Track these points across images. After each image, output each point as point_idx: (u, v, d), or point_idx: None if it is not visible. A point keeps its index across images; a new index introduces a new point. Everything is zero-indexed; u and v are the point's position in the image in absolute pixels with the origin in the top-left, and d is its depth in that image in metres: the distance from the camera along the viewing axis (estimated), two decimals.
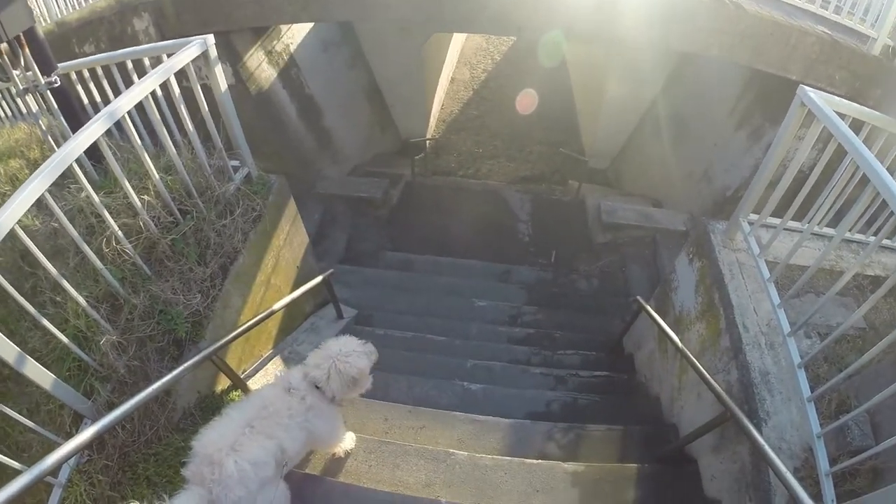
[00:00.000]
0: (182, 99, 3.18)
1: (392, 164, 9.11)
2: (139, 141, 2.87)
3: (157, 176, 3.04)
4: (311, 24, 7.21)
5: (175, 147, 3.50)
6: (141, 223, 3.00)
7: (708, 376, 3.05)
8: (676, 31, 5.43)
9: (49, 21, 6.56)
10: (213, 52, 3.25)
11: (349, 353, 2.67)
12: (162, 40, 3.35)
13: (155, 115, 3.01)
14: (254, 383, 3.96)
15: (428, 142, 9.98)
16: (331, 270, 4.67)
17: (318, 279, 4.47)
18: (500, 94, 11.79)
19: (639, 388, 4.63)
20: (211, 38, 3.20)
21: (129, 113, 2.84)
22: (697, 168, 7.39)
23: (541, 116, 11.13)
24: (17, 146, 4.10)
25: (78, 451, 2.17)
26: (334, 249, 7.03)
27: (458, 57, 12.70)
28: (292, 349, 4.49)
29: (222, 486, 2.16)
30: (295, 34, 6.98)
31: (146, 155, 2.94)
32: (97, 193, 3.16)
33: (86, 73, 3.61)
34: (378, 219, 7.55)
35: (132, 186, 3.17)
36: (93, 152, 3.37)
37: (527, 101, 11.10)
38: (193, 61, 3.16)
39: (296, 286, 4.46)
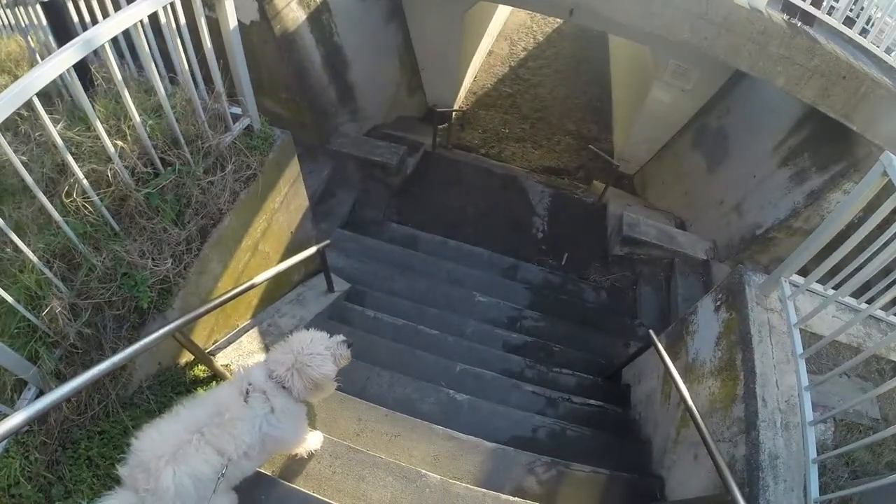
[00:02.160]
0: (184, 31, 2.76)
1: (414, 129, 8.62)
2: (118, 74, 2.44)
3: (137, 117, 2.61)
4: None
5: (170, 86, 3.14)
6: (109, 172, 2.61)
7: (714, 448, 2.74)
8: (746, 51, 4.94)
9: None
10: None
11: (313, 355, 2.35)
12: None
13: (143, 48, 2.59)
14: (224, 356, 3.67)
15: (454, 112, 9.49)
16: (327, 242, 4.30)
17: (312, 250, 4.11)
18: (537, 76, 11.24)
19: (630, 427, 4.33)
20: None
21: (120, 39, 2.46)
22: (731, 197, 6.94)
23: (575, 107, 10.60)
24: (8, 59, 3.71)
25: (20, 427, 1.88)
26: (338, 211, 6.64)
27: (499, 30, 12.08)
28: (273, 321, 4.16)
29: (155, 498, 1.88)
30: None
31: (126, 91, 2.51)
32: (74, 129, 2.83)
33: None
34: (389, 186, 7.14)
35: (116, 125, 2.82)
36: (85, 76, 3.02)
37: None
38: None
39: (287, 253, 4.11)
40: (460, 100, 10.33)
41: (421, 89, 9.29)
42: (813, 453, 2.67)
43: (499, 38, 12.06)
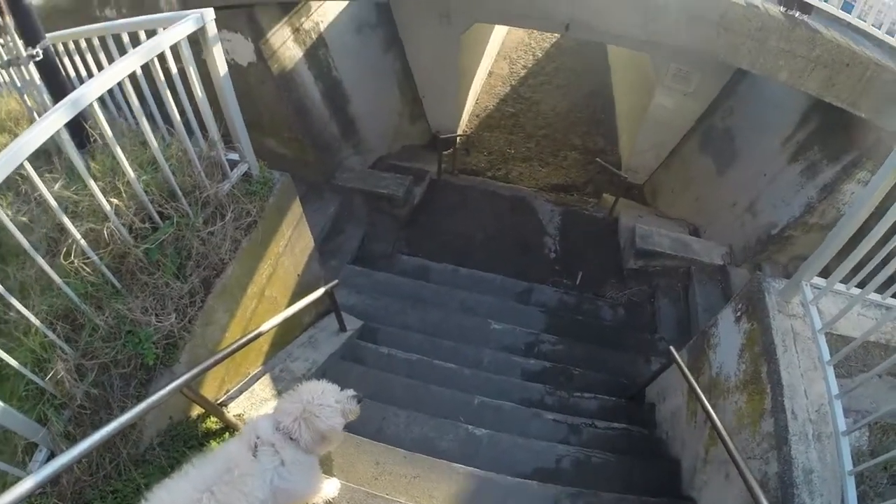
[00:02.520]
0: (176, 81, 2.77)
1: (419, 158, 8.62)
2: (108, 132, 2.44)
3: (131, 173, 2.61)
4: (345, 3, 6.74)
5: (165, 137, 3.15)
6: (106, 232, 2.60)
7: (744, 466, 2.61)
8: (745, 49, 4.85)
9: None
10: (212, 29, 2.80)
11: (322, 406, 2.30)
12: (184, 9, 2.91)
13: (134, 103, 2.60)
14: (236, 406, 3.61)
15: (459, 137, 9.49)
16: (335, 282, 4.26)
17: (320, 292, 4.07)
18: (539, 93, 11.22)
19: (658, 447, 4.18)
20: (210, 13, 2.76)
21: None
22: (743, 198, 6.79)
23: (578, 121, 10.55)
24: (8, 118, 3.77)
25: (32, 491, 1.88)
26: (347, 247, 6.63)
27: (498, 50, 12.13)
28: (285, 366, 4.10)
29: None
30: (326, 12, 6.52)
31: (118, 149, 2.51)
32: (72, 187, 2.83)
33: (82, 44, 3.25)
34: (397, 218, 7.11)
35: (111, 182, 2.82)
36: (81, 133, 3.03)
37: None
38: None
39: (295, 297, 4.07)
40: (463, 124, 10.33)
41: (423, 117, 9.31)
42: (849, 464, 2.53)
43: (498, 58, 12.10)
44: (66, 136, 2.17)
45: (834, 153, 5.46)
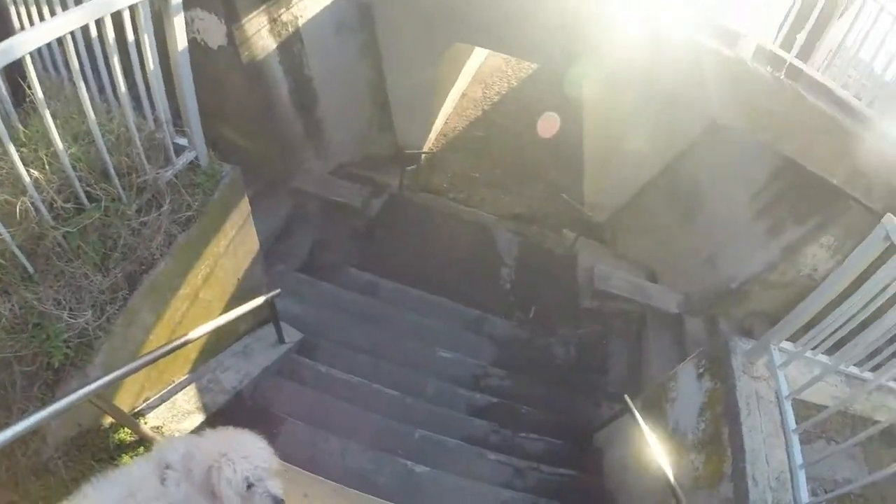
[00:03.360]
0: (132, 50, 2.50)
1: (382, 170, 8.35)
2: (39, 92, 2.11)
3: (59, 142, 2.27)
4: (328, 1, 6.47)
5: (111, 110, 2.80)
6: (19, 206, 2.23)
7: None
8: (729, 104, 4.87)
9: None
10: None
11: (238, 461, 2.01)
12: None
13: (73, 63, 2.26)
14: (155, 417, 3.25)
15: (424, 154, 9.29)
16: (277, 291, 3.91)
17: (260, 300, 3.73)
18: (510, 120, 11.16)
19: (605, 497, 3.98)
20: None
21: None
22: (704, 248, 6.80)
23: (546, 153, 10.51)
24: None
25: None
26: (296, 252, 6.26)
27: (474, 73, 12.06)
28: (214, 376, 3.74)
29: None
30: (307, 7, 6.22)
31: (47, 111, 2.18)
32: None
33: None
34: (352, 229, 6.81)
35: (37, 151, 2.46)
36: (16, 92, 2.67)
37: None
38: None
39: (233, 302, 3.72)
40: (430, 141, 10.14)
41: (392, 128, 9.05)
42: None
43: (473, 82, 12.01)
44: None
45: (801, 214, 5.49)
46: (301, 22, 6.13)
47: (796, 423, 2.81)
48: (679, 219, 7.41)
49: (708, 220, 6.85)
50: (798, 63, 4.65)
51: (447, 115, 10.88)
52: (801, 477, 2.60)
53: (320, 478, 3.13)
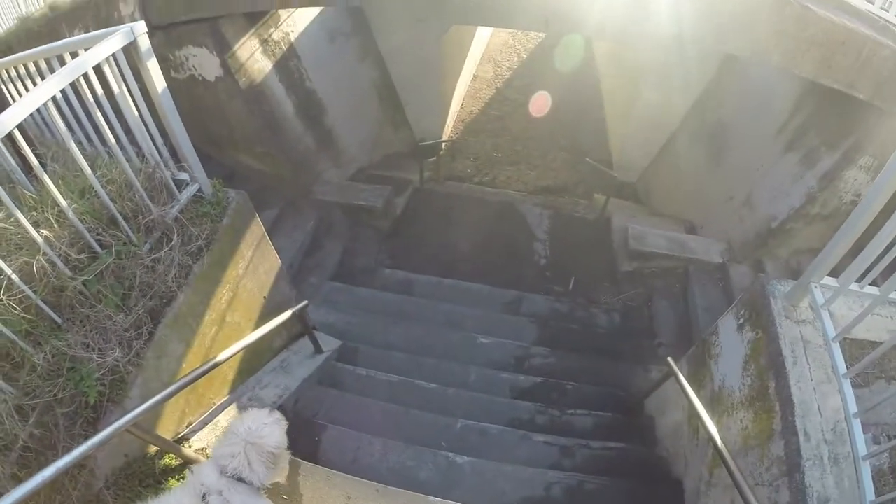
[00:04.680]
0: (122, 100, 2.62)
1: (402, 167, 8.36)
2: (34, 159, 2.23)
3: (62, 201, 2.39)
4: (316, 12, 6.50)
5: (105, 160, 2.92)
6: (37, 265, 2.36)
7: (751, 496, 2.32)
8: (732, 30, 4.57)
9: (44, 4, 6.16)
10: (145, 43, 2.59)
11: (261, 428, 2.18)
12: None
13: (60, 127, 2.36)
14: (199, 440, 3.35)
15: (444, 144, 9.24)
16: (304, 303, 3.99)
17: (287, 314, 3.79)
18: (525, 95, 10.95)
19: (658, 467, 3.87)
20: (141, 26, 2.54)
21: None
22: (739, 191, 6.50)
23: (567, 121, 10.28)
24: None
25: None
26: (327, 262, 6.36)
27: (482, 53, 11.90)
28: (253, 394, 3.84)
29: None
30: (297, 21, 6.28)
31: (45, 176, 2.31)
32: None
33: (21, 70, 3.03)
34: (378, 230, 6.85)
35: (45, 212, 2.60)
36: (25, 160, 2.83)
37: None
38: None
39: (261, 320, 3.80)
40: (449, 129, 10.08)
41: (406, 124, 9.05)
42: (871, 493, 2.25)
43: (483, 62, 11.86)
44: None
45: (832, 139, 5.15)
46: (293, 37, 6.19)
47: (851, 364, 2.61)
48: (709, 165, 7.12)
49: (738, 161, 6.55)
50: None
51: (461, 99, 10.80)
52: (857, 427, 2.41)
53: (363, 480, 3.17)
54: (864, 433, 2.41)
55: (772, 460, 2.59)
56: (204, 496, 2.04)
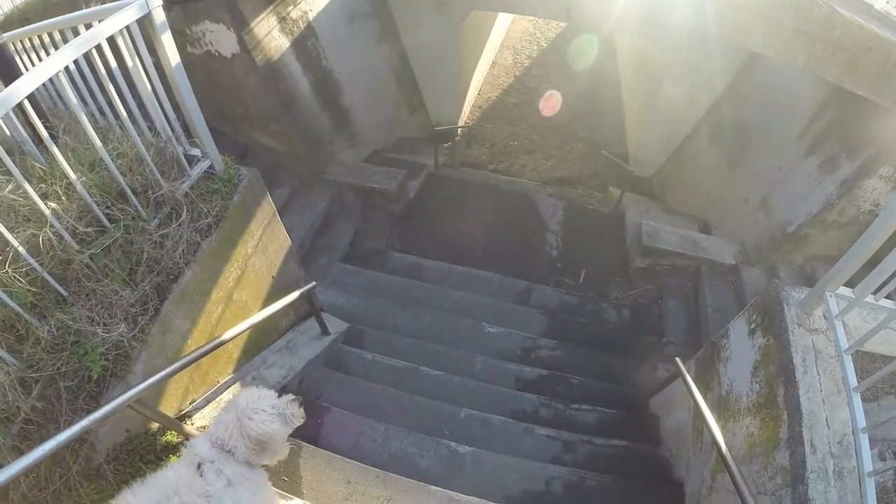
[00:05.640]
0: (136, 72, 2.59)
1: (417, 151, 8.30)
2: (43, 130, 2.21)
3: (71, 173, 2.38)
4: None
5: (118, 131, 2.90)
6: (42, 238, 2.35)
7: (752, 503, 2.29)
8: (758, 30, 4.45)
9: None
10: (160, 16, 2.54)
11: (256, 411, 2.11)
12: None
13: (70, 99, 2.34)
14: (202, 417, 3.37)
15: (460, 129, 9.16)
16: (312, 284, 3.97)
17: (295, 295, 3.78)
18: (543, 84, 10.82)
19: (660, 467, 3.85)
20: None
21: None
22: (756, 193, 6.39)
23: (584, 112, 10.15)
24: None
25: None
26: (338, 243, 6.34)
27: (501, 40, 11.74)
28: (258, 373, 3.85)
29: None
30: (315, 0, 6.21)
31: (56, 148, 2.29)
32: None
33: (36, 42, 2.99)
34: (391, 214, 6.82)
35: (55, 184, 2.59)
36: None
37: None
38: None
39: (269, 300, 3.81)
40: (465, 115, 9.98)
41: (423, 107, 8.98)
42: None
43: (502, 49, 11.71)
44: None
45: (854, 146, 5.06)
46: (311, 16, 6.12)
47: (862, 378, 2.56)
48: (727, 165, 7.01)
49: (756, 163, 6.45)
50: None
51: (479, 85, 10.69)
52: (865, 442, 2.36)
53: (363, 465, 3.17)
54: (870, 449, 2.36)
55: (776, 469, 2.56)
56: (199, 465, 2.02)
